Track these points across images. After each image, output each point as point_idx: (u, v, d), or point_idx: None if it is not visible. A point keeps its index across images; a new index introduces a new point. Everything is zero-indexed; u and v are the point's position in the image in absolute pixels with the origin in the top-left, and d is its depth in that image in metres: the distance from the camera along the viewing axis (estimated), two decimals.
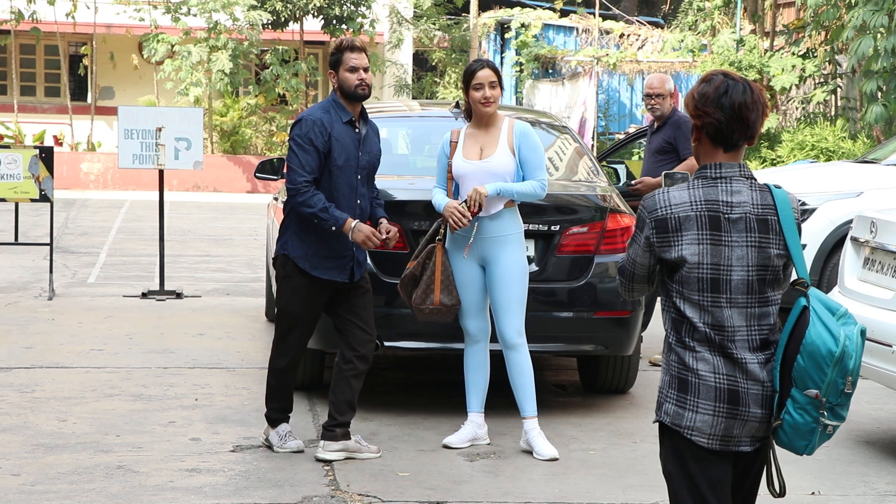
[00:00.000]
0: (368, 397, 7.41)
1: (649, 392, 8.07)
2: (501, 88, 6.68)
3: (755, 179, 3.68)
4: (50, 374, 8.17)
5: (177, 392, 7.78)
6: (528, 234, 7.20)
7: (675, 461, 3.68)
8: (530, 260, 7.27)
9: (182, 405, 7.45)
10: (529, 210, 7.30)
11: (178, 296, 11.42)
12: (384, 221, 6.51)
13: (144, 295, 11.41)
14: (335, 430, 6.39)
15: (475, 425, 6.78)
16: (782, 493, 3.68)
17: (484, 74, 6.61)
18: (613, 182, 9.30)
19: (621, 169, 9.94)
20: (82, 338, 9.44)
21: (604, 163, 10.02)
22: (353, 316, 6.45)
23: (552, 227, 7.34)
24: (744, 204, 3.63)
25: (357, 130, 6.42)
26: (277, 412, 6.57)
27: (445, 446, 6.69)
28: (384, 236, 6.40)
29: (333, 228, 6.25)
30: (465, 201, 6.50)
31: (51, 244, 11.59)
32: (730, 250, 3.61)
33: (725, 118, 3.63)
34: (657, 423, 3.73)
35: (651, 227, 3.67)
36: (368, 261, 6.85)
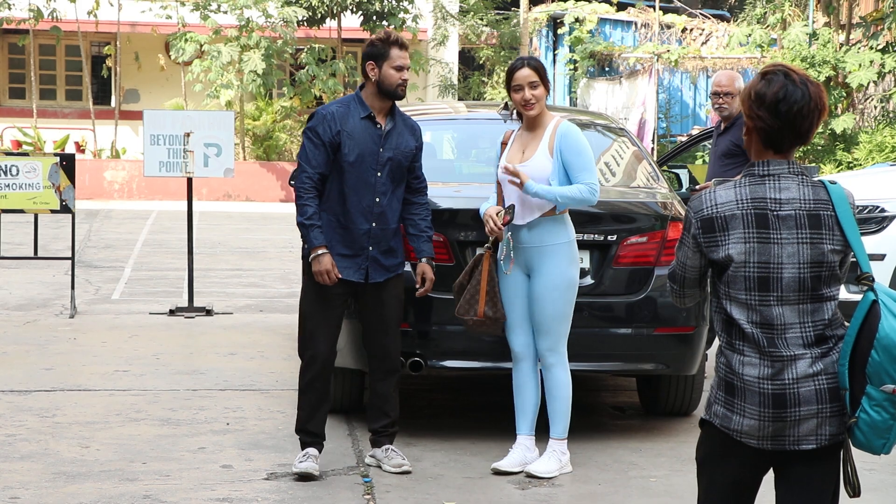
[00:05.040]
0: (412, 420, 7.43)
1: None
2: (547, 87, 6.70)
3: (806, 175, 3.78)
4: (71, 397, 8.25)
5: (207, 416, 7.83)
6: (583, 245, 7.21)
7: (711, 454, 3.97)
8: (585, 272, 7.27)
9: (212, 430, 7.50)
10: (584, 219, 7.31)
11: (208, 312, 11.50)
12: (423, 263, 6.70)
13: (172, 312, 11.50)
14: (376, 437, 6.79)
15: (524, 448, 6.78)
16: (857, 493, 3.77)
17: (523, 74, 6.65)
18: (675, 188, 9.28)
19: (683, 174, 9.91)
20: (106, 358, 9.53)
21: (664, 167, 10.00)
22: (373, 320, 6.69)
23: (608, 237, 7.33)
24: (793, 200, 3.74)
25: (378, 126, 6.56)
26: (308, 435, 6.66)
27: (495, 471, 6.70)
28: (417, 285, 6.71)
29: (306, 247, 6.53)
30: (505, 208, 6.56)
31: (72, 258, 11.70)
32: (780, 248, 3.73)
33: (778, 126, 3.75)
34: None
35: (697, 226, 3.82)
36: (407, 267, 6.85)
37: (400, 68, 6.51)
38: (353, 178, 6.50)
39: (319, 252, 6.44)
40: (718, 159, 9.09)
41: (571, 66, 27.41)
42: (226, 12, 23.96)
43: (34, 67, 25.87)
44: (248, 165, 24.29)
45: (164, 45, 25.74)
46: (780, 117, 3.72)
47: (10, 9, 23.81)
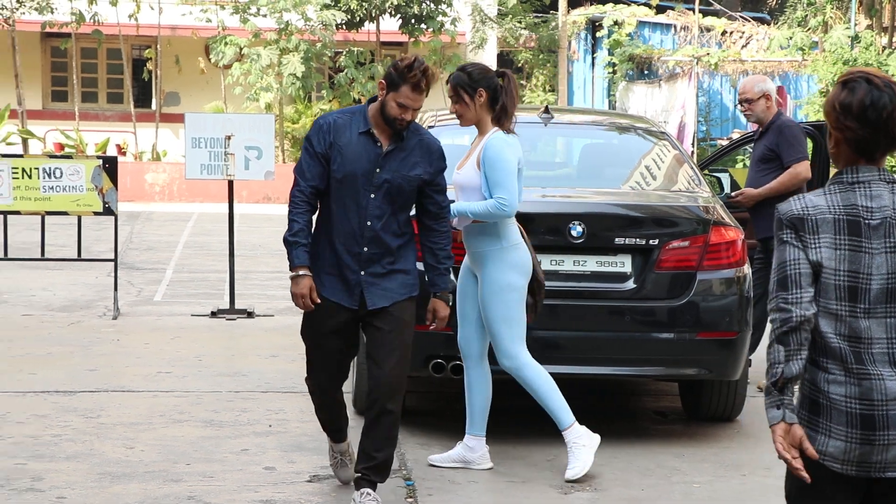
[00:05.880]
0: (453, 424, 7.44)
1: (758, 420, 8.00)
2: (469, 98, 6.64)
3: None
4: (115, 398, 8.31)
5: (249, 418, 7.87)
6: (625, 249, 7.23)
7: (800, 483, 3.62)
8: (626, 276, 7.28)
9: (255, 432, 7.54)
10: (625, 223, 7.34)
11: (250, 315, 11.55)
12: (435, 299, 6.13)
13: (214, 314, 11.56)
14: (363, 475, 6.09)
15: (464, 447, 6.92)
16: None
17: (447, 89, 6.78)
18: (716, 192, 9.26)
19: (724, 178, 9.89)
20: (149, 360, 9.59)
21: (706, 171, 9.97)
22: (375, 347, 6.01)
23: (650, 242, 7.33)
24: (884, 208, 3.62)
25: (377, 144, 5.95)
26: (335, 432, 6.46)
27: (430, 464, 6.89)
28: (428, 322, 6.15)
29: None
30: None
31: (115, 260, 11.77)
32: (870, 258, 3.60)
33: (869, 133, 3.63)
34: None
35: (789, 225, 3.64)
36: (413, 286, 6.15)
37: (403, 107, 5.86)
38: (343, 196, 5.93)
39: (300, 273, 5.88)
40: (755, 164, 9.06)
41: (610, 70, 27.37)
42: (265, 16, 24.06)
43: (76, 71, 26.04)
44: (287, 168, 24.33)
45: (204, 49, 25.86)
46: (870, 125, 3.60)
47: (52, 13, 23.99)
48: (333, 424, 6.38)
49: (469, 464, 6.86)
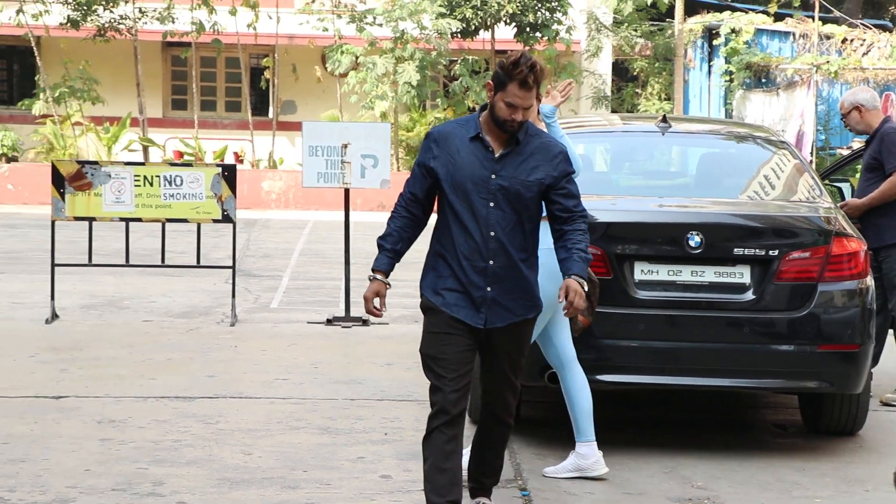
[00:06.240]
0: (569, 434, 7.41)
1: (881, 435, 7.87)
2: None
3: None
4: (234, 404, 8.40)
5: (365, 426, 7.91)
6: (744, 260, 7.16)
7: None
8: (745, 287, 7.20)
9: (371, 440, 7.58)
10: (744, 233, 7.27)
11: (365, 323, 11.62)
12: (571, 283, 5.56)
13: (329, 321, 11.65)
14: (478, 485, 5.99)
15: (576, 454, 6.92)
16: None
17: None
18: (837, 202, 9.12)
19: (846, 188, 9.74)
20: (266, 366, 9.69)
21: (826, 181, 9.83)
22: (483, 369, 5.81)
23: (770, 252, 7.24)
24: None
25: (489, 149, 5.62)
26: (433, 494, 5.61)
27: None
28: (560, 300, 5.56)
29: None
30: None
31: (233, 267, 11.92)
32: None
33: None
34: None
35: None
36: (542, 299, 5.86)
37: (512, 106, 5.53)
38: (460, 208, 5.60)
39: (376, 276, 5.63)
40: (863, 174, 9.14)
41: (727, 78, 27.09)
42: (381, 25, 24.22)
43: (195, 79, 26.47)
44: (402, 176, 24.42)
45: (320, 57, 26.11)
46: None
47: (173, 22, 24.40)
48: (448, 481, 5.60)
49: (584, 471, 6.81)
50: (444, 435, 5.58)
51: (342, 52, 24.31)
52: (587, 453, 6.82)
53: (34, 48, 24.83)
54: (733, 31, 27.10)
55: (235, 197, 11.37)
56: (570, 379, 6.83)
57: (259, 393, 8.75)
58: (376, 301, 5.65)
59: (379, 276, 5.65)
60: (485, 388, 5.87)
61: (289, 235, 19.28)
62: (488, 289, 5.59)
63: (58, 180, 11.24)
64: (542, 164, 5.65)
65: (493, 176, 5.59)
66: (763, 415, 8.55)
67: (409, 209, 5.73)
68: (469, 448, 6.03)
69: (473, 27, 24.14)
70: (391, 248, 5.69)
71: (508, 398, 5.81)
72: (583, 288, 5.56)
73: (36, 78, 25.64)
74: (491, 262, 5.59)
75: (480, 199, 5.59)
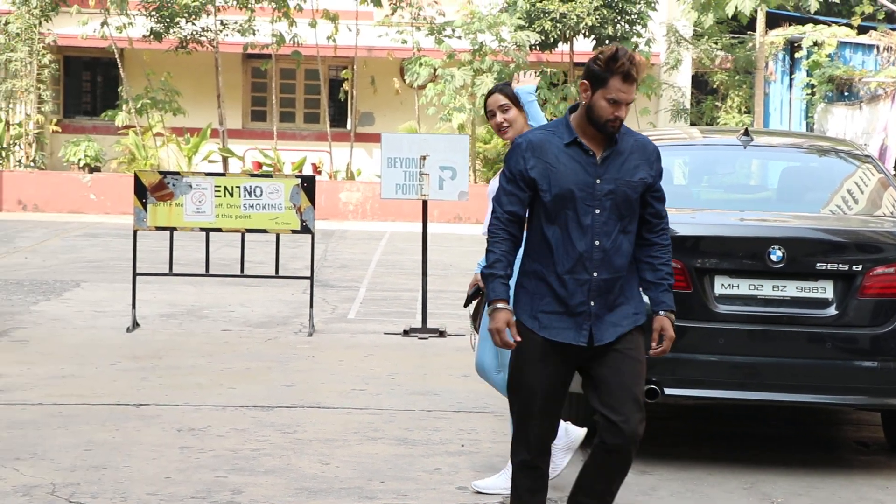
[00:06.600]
0: (647, 448, 7.36)
1: None
2: (521, 111, 6.90)
3: None
4: (311, 414, 8.44)
5: (442, 437, 7.91)
6: (826, 275, 7.08)
7: None
8: (828, 303, 7.12)
9: (448, 451, 7.58)
10: (827, 248, 7.19)
11: (441, 334, 11.63)
12: (661, 317, 5.38)
13: (406, 332, 11.67)
14: None
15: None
16: None
17: (492, 100, 6.88)
18: None
19: None
20: (343, 377, 9.73)
21: None
22: (600, 391, 5.33)
23: (853, 267, 7.15)
24: None
25: (590, 153, 5.30)
26: None
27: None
28: (654, 347, 5.33)
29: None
30: None
31: (311, 277, 11.98)
32: None
33: None
34: None
35: None
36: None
37: (616, 103, 5.23)
38: (562, 218, 5.28)
39: (497, 306, 5.23)
40: None
41: (808, 91, 26.83)
42: (460, 37, 24.27)
43: (275, 91, 26.67)
44: (479, 188, 24.44)
45: (399, 69, 26.21)
46: None
47: (254, 34, 24.63)
48: None
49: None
50: (529, 481, 5.44)
51: (420, 65, 24.38)
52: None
53: (118, 60, 25.16)
54: (815, 43, 26.83)
55: (314, 208, 11.44)
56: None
57: (336, 403, 8.79)
58: (508, 332, 5.25)
59: (502, 305, 5.25)
60: (607, 423, 5.30)
61: (366, 246, 19.35)
62: (592, 303, 5.29)
63: (140, 190, 11.37)
64: (641, 163, 5.38)
65: (598, 181, 5.29)
66: (845, 432, 8.45)
67: (507, 230, 5.34)
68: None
69: (552, 39, 24.11)
70: (504, 273, 5.29)
71: (638, 428, 5.29)
72: (673, 323, 5.38)
73: (119, 89, 25.98)
74: (595, 274, 5.28)
75: (585, 207, 5.28)
